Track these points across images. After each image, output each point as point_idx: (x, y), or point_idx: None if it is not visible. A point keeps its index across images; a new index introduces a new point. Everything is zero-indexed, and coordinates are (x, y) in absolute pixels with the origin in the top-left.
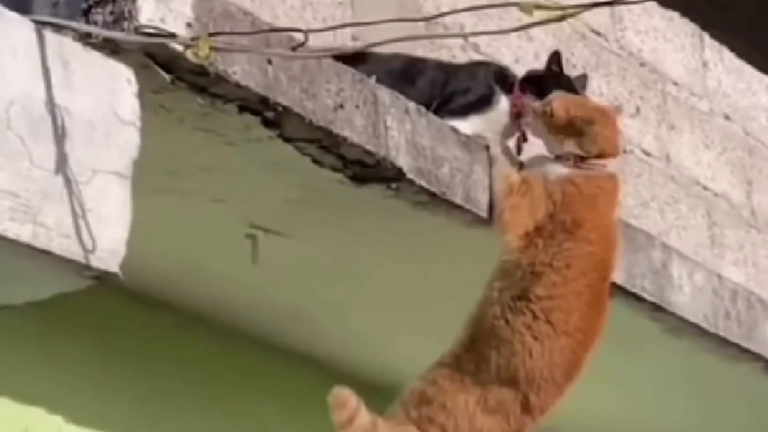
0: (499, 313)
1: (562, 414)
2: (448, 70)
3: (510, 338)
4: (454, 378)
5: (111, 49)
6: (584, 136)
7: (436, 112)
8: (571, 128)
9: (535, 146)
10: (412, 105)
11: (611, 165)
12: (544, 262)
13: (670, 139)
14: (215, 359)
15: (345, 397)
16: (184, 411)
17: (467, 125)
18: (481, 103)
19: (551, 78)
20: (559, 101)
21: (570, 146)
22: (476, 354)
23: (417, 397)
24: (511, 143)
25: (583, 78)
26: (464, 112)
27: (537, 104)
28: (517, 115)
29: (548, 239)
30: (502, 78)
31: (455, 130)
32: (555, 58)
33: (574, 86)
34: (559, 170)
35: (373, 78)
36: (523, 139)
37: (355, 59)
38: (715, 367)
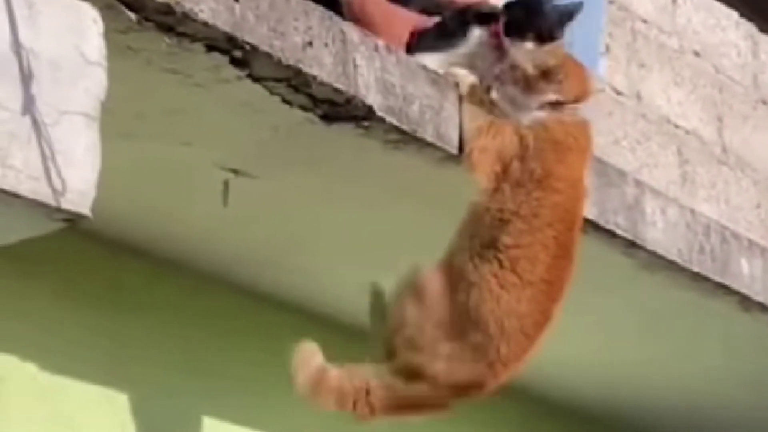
0: (468, 258)
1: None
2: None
3: (479, 284)
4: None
5: None
6: (558, 83)
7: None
8: (546, 77)
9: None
10: (381, 43)
11: (583, 108)
12: (512, 210)
13: (640, 77)
14: (186, 303)
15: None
16: (154, 355)
17: (438, 59)
18: (452, 37)
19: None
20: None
21: (545, 93)
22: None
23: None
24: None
25: (578, 5)
26: (435, 46)
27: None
28: (496, 47)
29: (516, 187)
30: (484, 18)
31: (425, 68)
32: None
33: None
34: (534, 115)
35: None
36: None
37: None
38: (690, 302)
